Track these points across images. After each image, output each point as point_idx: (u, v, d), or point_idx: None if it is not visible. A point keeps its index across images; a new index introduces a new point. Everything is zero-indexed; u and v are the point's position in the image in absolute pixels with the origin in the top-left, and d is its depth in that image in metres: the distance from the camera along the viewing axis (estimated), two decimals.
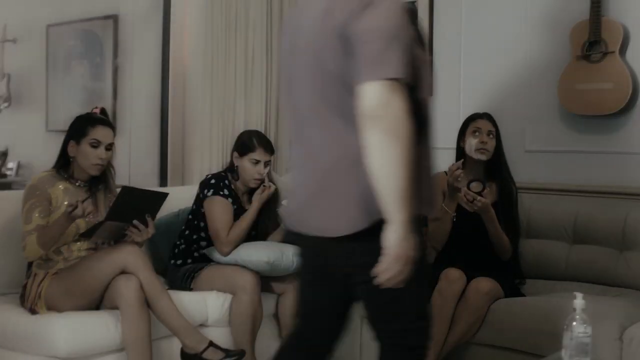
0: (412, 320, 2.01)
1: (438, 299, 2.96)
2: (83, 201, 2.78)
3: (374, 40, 1.82)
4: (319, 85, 1.94)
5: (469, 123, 3.36)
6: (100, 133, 2.95)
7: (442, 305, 2.95)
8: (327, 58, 1.90)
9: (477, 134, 3.29)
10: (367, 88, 1.81)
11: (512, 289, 3.15)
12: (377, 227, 1.87)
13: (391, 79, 1.80)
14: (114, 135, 3.03)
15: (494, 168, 3.33)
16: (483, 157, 3.29)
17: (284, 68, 2.14)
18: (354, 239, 1.91)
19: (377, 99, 1.79)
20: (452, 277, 2.98)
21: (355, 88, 1.83)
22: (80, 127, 2.97)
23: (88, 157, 2.93)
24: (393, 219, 1.83)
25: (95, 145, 2.94)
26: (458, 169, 3.11)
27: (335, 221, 1.94)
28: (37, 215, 2.84)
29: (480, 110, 3.42)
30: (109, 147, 2.98)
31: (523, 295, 3.16)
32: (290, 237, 2.40)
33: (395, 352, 2.04)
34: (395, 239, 1.83)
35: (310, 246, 2.09)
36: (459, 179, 3.11)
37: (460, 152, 3.37)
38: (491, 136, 3.30)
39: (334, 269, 2.03)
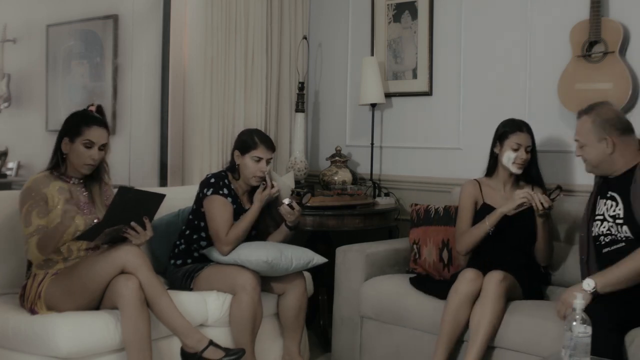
0: None
1: (455, 298, 2.98)
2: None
3: None
4: None
5: (509, 135, 3.30)
6: (94, 134, 2.95)
7: (459, 305, 2.96)
8: None
9: (517, 150, 3.28)
10: None
11: (535, 292, 3.16)
12: None
13: None
14: (109, 135, 3.03)
15: (529, 175, 3.35)
16: (520, 172, 3.32)
17: None
18: None
19: None
20: (469, 277, 2.99)
21: None
22: (75, 125, 2.97)
23: (80, 157, 2.94)
24: None
25: (89, 145, 2.95)
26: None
27: None
28: (35, 216, 2.84)
29: (480, 111, 3.41)
30: (102, 147, 2.99)
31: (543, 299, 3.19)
32: None
33: None
34: None
35: None
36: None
37: (494, 158, 3.37)
38: (529, 149, 3.30)
39: None
